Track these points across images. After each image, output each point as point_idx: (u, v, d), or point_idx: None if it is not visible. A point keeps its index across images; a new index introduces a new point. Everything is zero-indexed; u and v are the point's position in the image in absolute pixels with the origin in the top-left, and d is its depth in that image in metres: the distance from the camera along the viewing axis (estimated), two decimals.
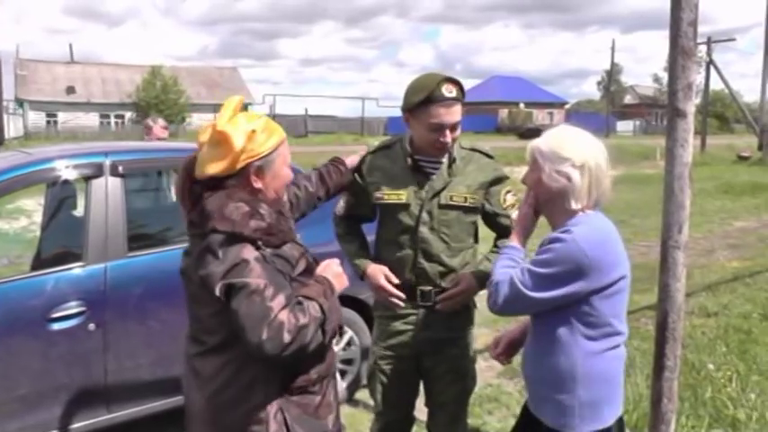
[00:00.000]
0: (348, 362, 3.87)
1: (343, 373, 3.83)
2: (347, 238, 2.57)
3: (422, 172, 2.37)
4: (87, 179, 3.16)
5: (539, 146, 1.89)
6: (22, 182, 3.09)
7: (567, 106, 65.15)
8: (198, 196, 1.76)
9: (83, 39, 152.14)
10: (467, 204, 2.36)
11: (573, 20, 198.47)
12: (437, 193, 2.34)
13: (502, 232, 2.47)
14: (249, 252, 1.67)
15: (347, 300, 3.37)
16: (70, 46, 64.97)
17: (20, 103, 42.02)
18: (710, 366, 4.03)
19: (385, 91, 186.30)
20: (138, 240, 3.32)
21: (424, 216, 2.34)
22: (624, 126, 57.56)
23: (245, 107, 1.86)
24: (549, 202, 1.91)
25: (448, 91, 2.21)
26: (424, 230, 2.34)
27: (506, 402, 3.88)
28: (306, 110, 46.43)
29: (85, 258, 3.06)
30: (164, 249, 3.30)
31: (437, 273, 2.36)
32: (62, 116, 43.04)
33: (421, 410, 2.60)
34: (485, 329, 4.56)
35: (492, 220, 2.47)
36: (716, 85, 38.85)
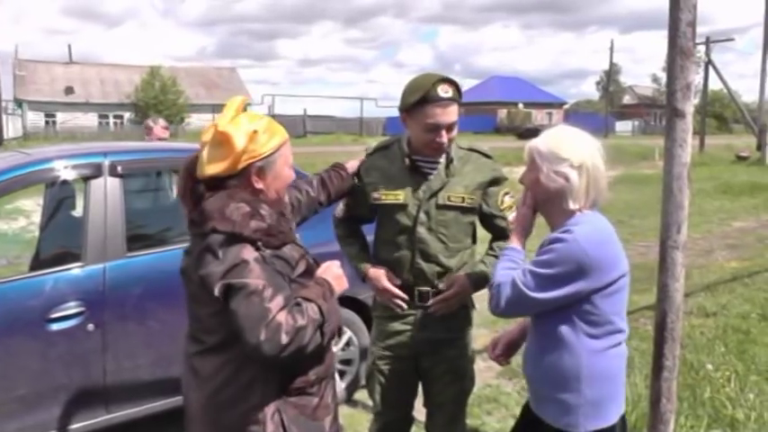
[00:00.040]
0: (347, 362, 3.87)
1: (341, 374, 3.83)
2: (348, 241, 2.57)
3: (419, 172, 2.36)
4: (86, 179, 3.16)
5: (537, 146, 1.89)
6: (21, 182, 3.09)
7: (565, 106, 65.10)
8: (200, 196, 1.77)
9: (81, 39, 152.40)
10: (464, 205, 2.36)
11: (572, 20, 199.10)
12: (434, 194, 2.34)
13: (498, 234, 2.47)
14: (249, 253, 1.67)
15: (346, 300, 3.37)
16: (69, 46, 64.52)
17: (18, 103, 42.00)
18: (709, 366, 4.03)
19: (384, 91, 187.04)
20: (137, 241, 3.31)
21: (422, 216, 2.34)
22: (623, 126, 57.63)
23: (244, 108, 1.86)
24: (546, 203, 1.91)
25: (444, 91, 2.21)
26: (421, 231, 2.34)
27: (505, 403, 3.87)
28: (304, 110, 46.41)
29: (84, 259, 3.06)
30: (163, 250, 3.30)
31: (435, 273, 2.36)
32: (61, 116, 42.99)
33: (420, 411, 2.60)
34: (483, 330, 4.56)
35: (488, 221, 2.47)
36: (714, 85, 39.16)
